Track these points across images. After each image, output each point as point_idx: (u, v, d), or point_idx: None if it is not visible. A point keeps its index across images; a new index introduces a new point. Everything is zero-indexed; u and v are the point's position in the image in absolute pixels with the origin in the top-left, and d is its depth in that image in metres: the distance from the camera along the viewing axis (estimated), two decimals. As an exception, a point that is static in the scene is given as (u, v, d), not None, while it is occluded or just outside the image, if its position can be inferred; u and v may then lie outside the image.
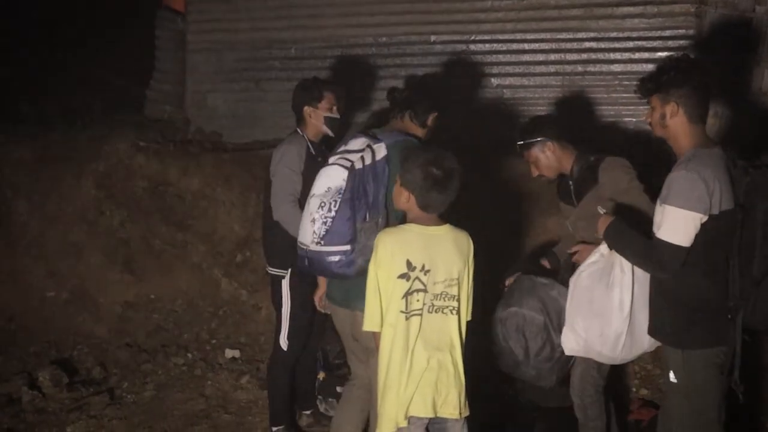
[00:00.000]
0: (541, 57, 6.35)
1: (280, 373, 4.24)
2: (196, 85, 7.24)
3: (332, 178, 3.26)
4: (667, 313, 3.11)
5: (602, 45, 6.19)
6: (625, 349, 3.30)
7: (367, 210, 3.26)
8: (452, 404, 2.95)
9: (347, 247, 3.22)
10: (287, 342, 4.17)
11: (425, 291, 2.90)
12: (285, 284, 4.14)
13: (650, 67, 5.84)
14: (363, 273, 3.18)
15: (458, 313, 2.96)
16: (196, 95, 7.25)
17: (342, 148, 3.39)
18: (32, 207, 6.30)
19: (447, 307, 2.93)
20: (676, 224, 2.89)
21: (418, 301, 2.90)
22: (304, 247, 3.32)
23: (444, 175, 2.87)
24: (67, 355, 5.51)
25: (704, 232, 2.91)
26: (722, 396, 3.08)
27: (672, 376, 3.11)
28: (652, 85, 3.05)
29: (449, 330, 2.95)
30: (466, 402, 3.02)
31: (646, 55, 6.15)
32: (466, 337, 3.04)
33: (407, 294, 2.89)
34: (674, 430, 3.18)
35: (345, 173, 3.24)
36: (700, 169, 2.86)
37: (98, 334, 5.75)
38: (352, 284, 3.34)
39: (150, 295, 5.99)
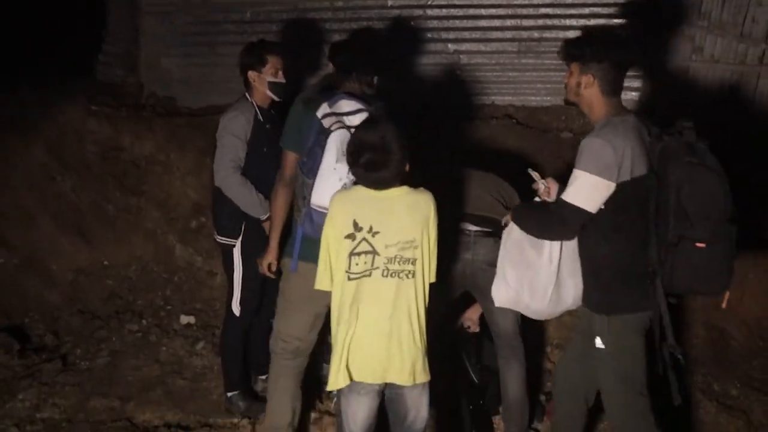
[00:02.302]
0: (497, 23, 6.37)
1: (233, 338, 4.24)
2: (150, 49, 7.14)
3: (344, 142, 3.21)
4: (590, 280, 3.20)
5: (558, 11, 6.22)
6: (551, 303, 3.34)
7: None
8: (406, 371, 2.94)
9: None
10: (239, 307, 4.17)
11: (375, 253, 2.88)
12: (236, 252, 4.13)
13: None
14: None
15: (415, 276, 2.94)
16: (150, 59, 7.15)
17: (328, 110, 3.34)
18: (-20, 173, 6.14)
19: (402, 271, 2.91)
20: (582, 188, 2.99)
21: (366, 263, 2.89)
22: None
23: (370, 160, 2.84)
24: (18, 322, 5.40)
25: (618, 199, 3.00)
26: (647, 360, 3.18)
27: (598, 342, 3.19)
28: (573, 53, 3.13)
29: (406, 295, 2.93)
30: (425, 367, 3.00)
31: (602, 21, 6.18)
32: (429, 300, 3.02)
33: (352, 254, 2.88)
34: (606, 396, 3.28)
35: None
36: (610, 137, 2.95)
37: (50, 301, 5.64)
38: None
39: (103, 261, 5.91)
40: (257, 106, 4.10)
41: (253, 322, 4.31)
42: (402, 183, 2.95)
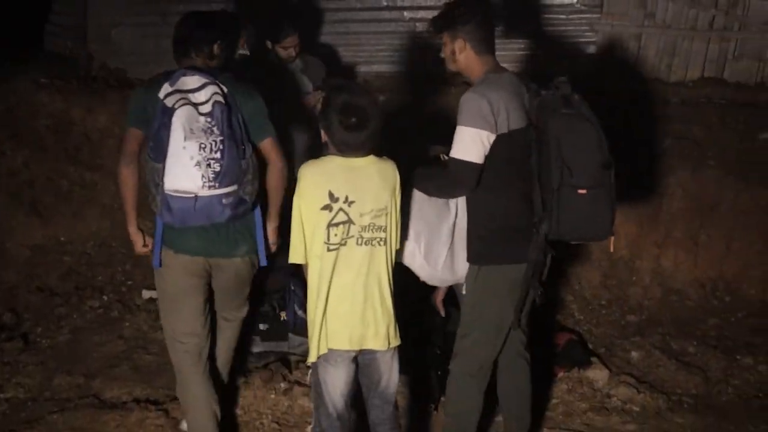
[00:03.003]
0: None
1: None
2: (99, 19, 6.98)
3: (189, 119, 3.10)
4: (473, 233, 3.27)
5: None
6: (444, 269, 3.34)
7: (243, 145, 3.22)
8: (381, 336, 2.97)
9: (235, 187, 3.19)
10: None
11: (351, 222, 2.89)
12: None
13: (561, 0, 6.04)
14: (244, 215, 3.31)
15: (386, 243, 2.97)
16: (100, 29, 6.99)
17: (171, 88, 3.12)
18: (-72, 148, 5.97)
19: (375, 238, 2.93)
20: (464, 142, 3.07)
21: (343, 233, 2.89)
22: (190, 194, 3.13)
23: (357, 121, 2.84)
24: (-27, 301, 5.31)
25: (498, 152, 3.08)
26: (512, 310, 3.26)
27: (464, 289, 3.34)
28: (441, 23, 3.21)
29: (378, 262, 2.95)
30: (396, 332, 3.04)
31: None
32: (394, 267, 3.05)
33: (330, 225, 2.88)
34: (463, 343, 3.37)
35: (198, 113, 3.11)
36: (485, 91, 3.06)
37: (7, 279, 5.52)
38: (219, 232, 3.36)
39: (60, 238, 5.81)
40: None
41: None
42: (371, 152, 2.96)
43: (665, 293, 5.41)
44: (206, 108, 3.13)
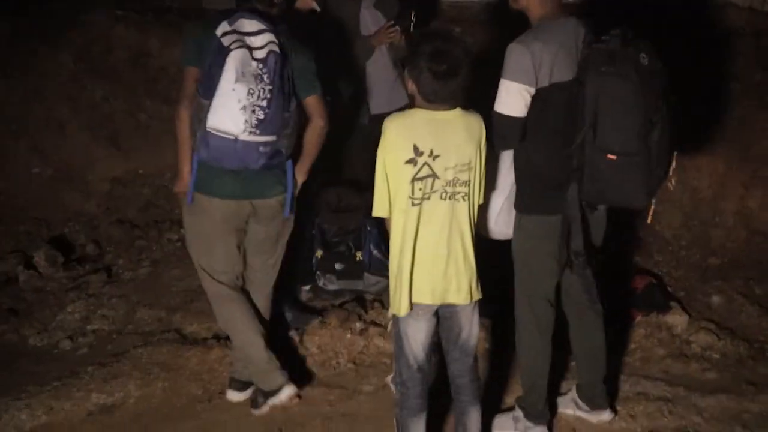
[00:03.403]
0: None
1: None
2: (173, -52, 6.91)
3: (243, 62, 3.08)
4: (518, 184, 3.20)
5: None
6: (500, 224, 3.29)
7: (289, 99, 3.23)
8: (464, 290, 2.94)
9: (274, 138, 3.20)
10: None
11: (435, 177, 2.83)
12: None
13: None
14: (278, 166, 3.33)
15: (470, 198, 2.92)
16: (174, -41, 6.93)
17: (229, 28, 3.11)
18: (10, 83, 6.05)
19: (458, 193, 2.87)
20: (505, 95, 2.98)
21: (428, 187, 2.84)
22: (231, 136, 3.12)
23: (447, 69, 2.75)
24: (58, 232, 5.45)
25: (538, 105, 2.98)
26: (555, 263, 3.19)
27: (513, 238, 3.26)
28: None
29: (460, 216, 2.90)
30: (478, 286, 3.01)
31: None
32: (476, 221, 3.01)
33: (415, 179, 2.83)
34: (517, 293, 3.34)
35: (251, 58, 3.09)
36: (529, 42, 2.94)
37: (88, 211, 5.67)
38: (253, 175, 3.31)
39: (138, 171, 5.91)
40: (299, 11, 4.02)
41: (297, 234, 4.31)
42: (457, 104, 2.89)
43: (750, 235, 5.23)
44: (261, 54, 3.11)
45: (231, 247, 3.54)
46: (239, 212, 3.45)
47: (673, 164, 3.07)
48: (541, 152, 3.10)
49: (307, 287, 4.57)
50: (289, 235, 3.68)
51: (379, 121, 4.66)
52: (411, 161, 2.81)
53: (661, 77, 2.90)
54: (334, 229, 4.57)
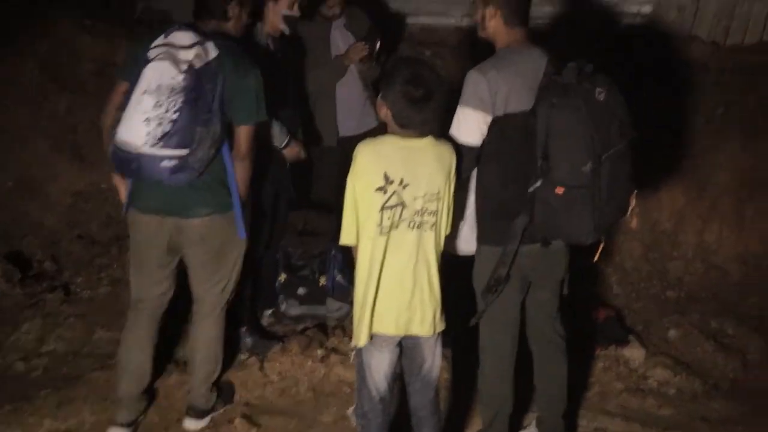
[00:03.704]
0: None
1: (243, 274, 4.21)
2: (144, -41, 6.87)
3: (162, 74, 3.01)
4: (476, 212, 3.22)
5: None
6: (463, 240, 3.30)
7: (208, 114, 3.09)
8: (428, 322, 2.95)
9: (185, 152, 3.06)
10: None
11: (404, 206, 2.84)
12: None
13: None
14: (193, 182, 3.15)
15: (437, 228, 2.92)
16: (145, -30, 6.89)
17: (162, 41, 3.09)
18: (-29, 90, 5.97)
19: (426, 223, 2.88)
20: (461, 122, 3.01)
21: (396, 215, 2.84)
22: (132, 150, 3.02)
23: (423, 94, 2.77)
24: (15, 247, 5.33)
25: (492, 133, 3.01)
26: (515, 293, 3.21)
27: (474, 267, 3.28)
28: None
29: (427, 246, 2.91)
30: (442, 318, 3.01)
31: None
32: (443, 252, 3.02)
33: (384, 208, 2.83)
34: (480, 326, 3.33)
35: (177, 70, 3.02)
36: (487, 70, 2.97)
37: (48, 225, 5.56)
38: (177, 192, 3.24)
39: (101, 185, 5.81)
40: (269, 35, 4.01)
41: (262, 256, 4.29)
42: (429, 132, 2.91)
43: (707, 269, 5.33)
44: (185, 66, 3.05)
45: (156, 269, 3.49)
46: (161, 230, 3.38)
47: (633, 203, 3.10)
48: (496, 182, 3.12)
49: (269, 311, 4.56)
50: (238, 259, 3.55)
51: (347, 143, 4.73)
52: (381, 189, 2.81)
53: (618, 112, 2.92)
54: (299, 253, 4.56)
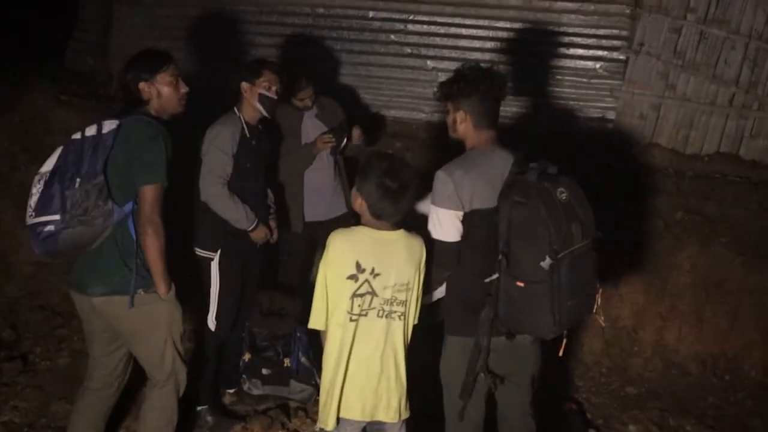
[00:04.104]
0: (477, 44, 6.42)
1: (207, 352, 4.20)
2: (122, 39, 7.03)
3: (52, 156, 3.18)
4: (444, 303, 3.30)
5: (539, 37, 6.28)
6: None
7: (78, 177, 3.09)
8: (393, 408, 2.99)
9: (56, 217, 3.09)
10: (215, 323, 4.14)
11: (374, 294, 2.91)
12: (214, 266, 4.10)
13: (583, 64, 6.13)
14: (75, 248, 3.14)
15: (405, 318, 2.99)
16: (121, 49, 6.97)
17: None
18: (-59, 156, 5.95)
19: (395, 312, 2.95)
20: (436, 221, 3.11)
21: (366, 304, 2.91)
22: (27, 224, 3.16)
23: (398, 187, 2.88)
24: (-26, 314, 5.28)
25: (462, 229, 3.11)
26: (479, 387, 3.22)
27: (441, 359, 3.34)
28: (445, 92, 3.26)
29: (395, 334, 2.97)
30: (407, 404, 3.06)
31: (579, 51, 6.30)
32: (410, 341, 3.07)
33: (354, 295, 2.90)
34: (445, 409, 3.37)
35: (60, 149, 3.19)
36: (452, 170, 3.09)
37: (9, 294, 5.51)
38: (80, 267, 3.27)
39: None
40: (245, 121, 4.09)
41: (227, 336, 4.28)
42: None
43: (666, 366, 5.40)
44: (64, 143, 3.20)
45: (94, 348, 3.50)
46: (80, 304, 3.38)
47: (598, 301, 3.18)
48: (463, 275, 3.19)
49: (232, 390, 4.51)
50: (165, 343, 3.41)
51: (313, 229, 4.79)
52: (352, 277, 2.89)
53: (579, 212, 3.01)
54: (264, 333, 4.55)
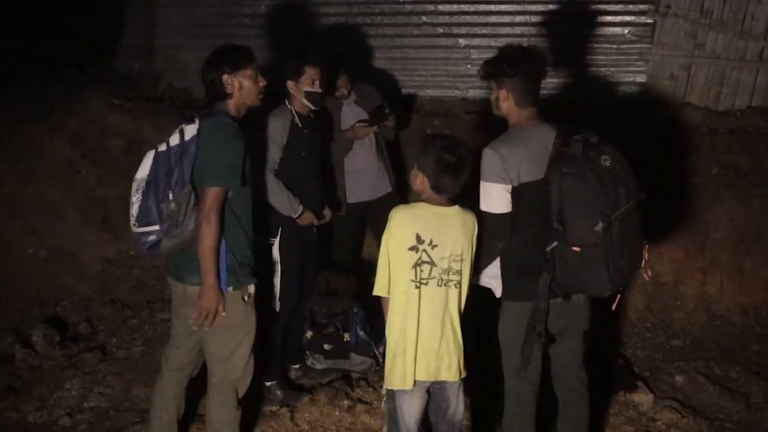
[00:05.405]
0: (507, 18, 6.58)
1: (273, 332, 4.49)
2: (166, 41, 7.34)
3: (144, 162, 3.36)
4: (501, 269, 3.49)
5: (567, 8, 6.43)
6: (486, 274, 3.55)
7: (170, 191, 3.30)
8: (453, 368, 3.27)
9: (156, 227, 3.34)
10: (279, 304, 4.42)
11: (433, 264, 3.19)
12: (275, 250, 4.37)
13: (612, 31, 6.26)
14: (172, 253, 3.41)
15: (460, 286, 3.26)
16: (166, 51, 7.34)
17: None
18: (7, 164, 6.33)
19: (452, 280, 3.22)
20: (487, 195, 3.31)
21: (426, 272, 3.19)
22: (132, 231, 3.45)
23: (456, 161, 3.15)
24: (50, 311, 5.64)
25: (513, 201, 3.31)
26: (536, 347, 3.41)
27: (499, 324, 3.54)
28: (489, 71, 3.41)
29: (452, 301, 3.25)
30: (465, 365, 3.34)
31: (608, 18, 6.43)
32: (465, 306, 3.34)
33: (416, 265, 3.18)
34: (503, 369, 3.58)
35: (151, 156, 3.36)
36: (498, 146, 3.29)
37: (80, 291, 5.88)
38: (183, 258, 3.45)
39: (130, 252, 6.14)
40: (296, 112, 4.35)
41: (290, 316, 4.58)
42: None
43: (709, 319, 5.58)
44: (152, 154, 3.39)
45: (177, 334, 3.72)
46: (174, 289, 3.61)
47: (646, 257, 3.39)
48: (518, 244, 3.41)
49: (297, 366, 4.80)
50: (243, 340, 3.61)
51: (360, 209, 5.04)
52: (413, 248, 3.18)
53: (623, 176, 3.22)
54: (323, 311, 4.82)
